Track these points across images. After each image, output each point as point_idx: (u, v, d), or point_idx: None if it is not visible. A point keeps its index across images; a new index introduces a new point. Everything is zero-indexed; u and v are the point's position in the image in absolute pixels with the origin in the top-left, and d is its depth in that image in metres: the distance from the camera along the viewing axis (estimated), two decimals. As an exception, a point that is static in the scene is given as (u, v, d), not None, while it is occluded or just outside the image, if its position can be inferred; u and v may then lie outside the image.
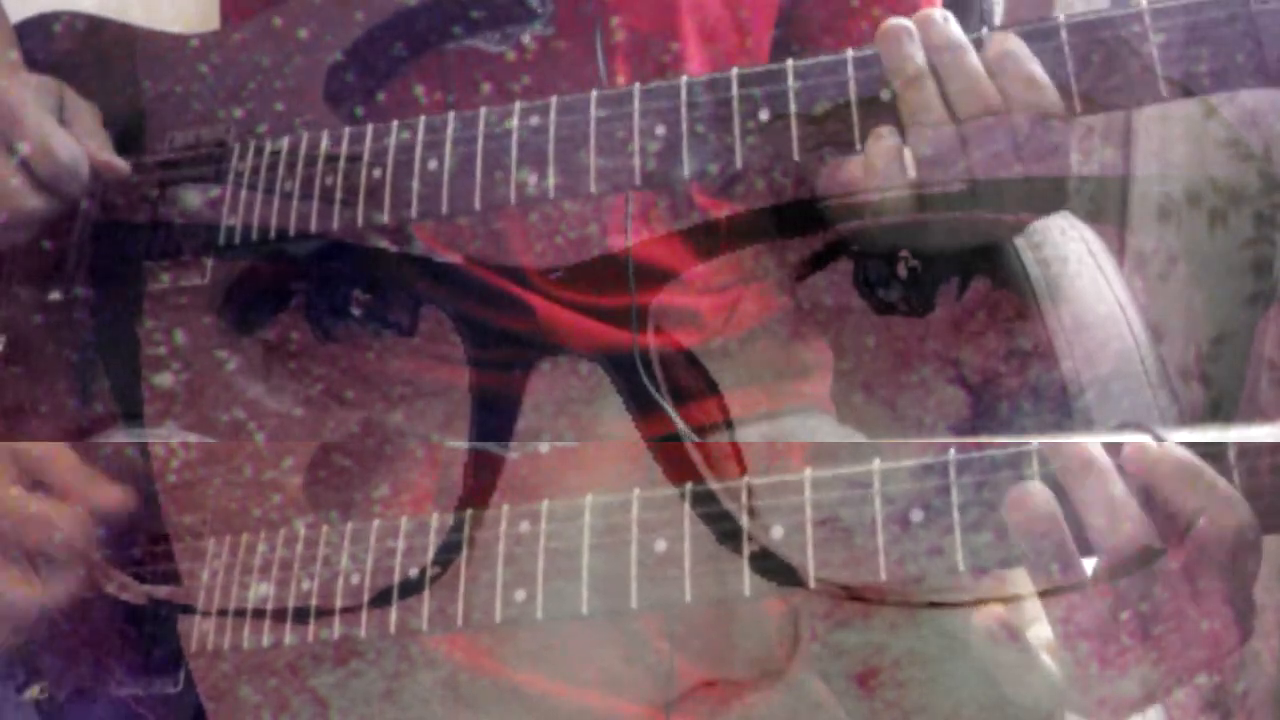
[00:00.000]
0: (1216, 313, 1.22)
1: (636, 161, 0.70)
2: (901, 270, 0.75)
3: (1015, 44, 0.66)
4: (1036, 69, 0.65)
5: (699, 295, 0.84)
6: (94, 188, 0.78)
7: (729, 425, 0.73)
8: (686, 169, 0.70)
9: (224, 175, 0.77)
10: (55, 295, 0.79)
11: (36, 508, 0.71)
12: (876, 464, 0.61)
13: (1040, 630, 0.59)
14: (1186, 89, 0.63)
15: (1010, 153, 0.66)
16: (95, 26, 0.85)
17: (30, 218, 0.76)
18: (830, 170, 0.76)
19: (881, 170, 0.67)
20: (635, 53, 0.80)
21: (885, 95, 0.67)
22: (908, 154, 0.67)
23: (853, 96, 0.68)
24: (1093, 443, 0.58)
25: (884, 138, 0.67)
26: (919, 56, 0.67)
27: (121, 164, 0.78)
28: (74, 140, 0.76)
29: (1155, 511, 0.56)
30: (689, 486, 0.63)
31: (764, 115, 0.69)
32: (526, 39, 0.77)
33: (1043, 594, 0.58)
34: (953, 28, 0.68)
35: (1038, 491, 0.57)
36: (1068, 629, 0.58)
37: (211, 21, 0.84)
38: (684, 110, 0.70)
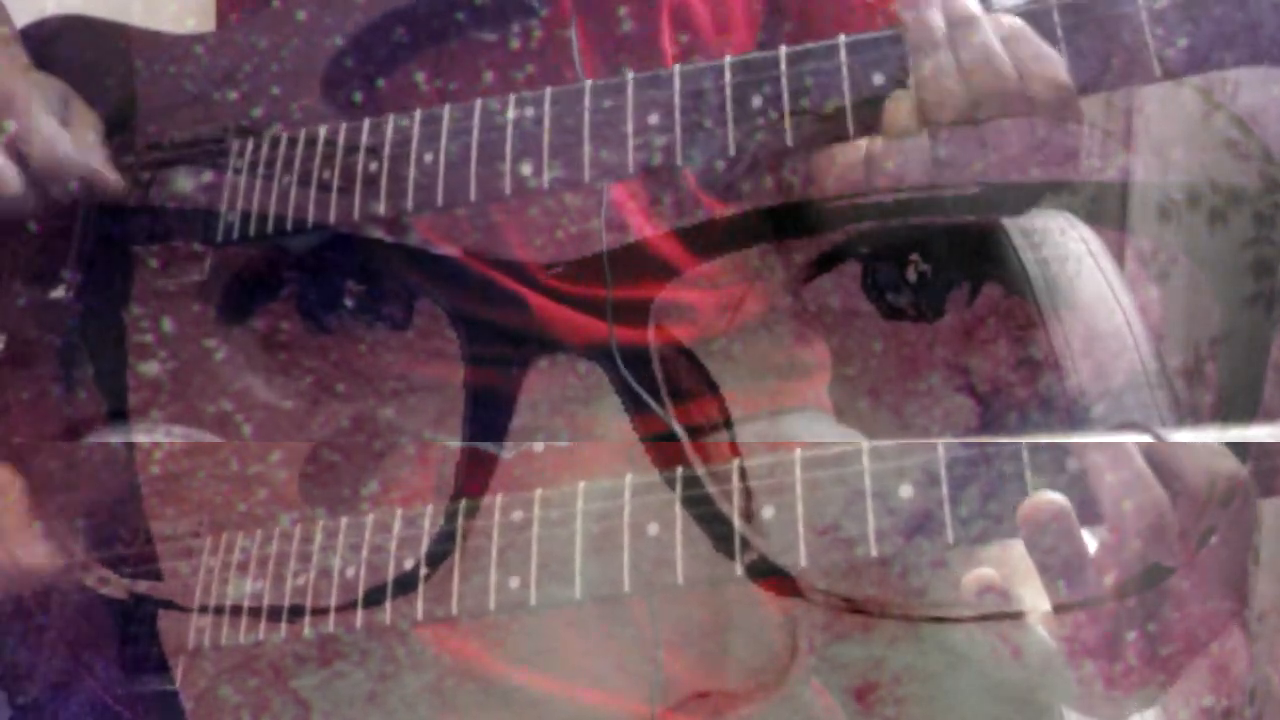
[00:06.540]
0: (1217, 313, 1.21)
1: (630, 151, 0.70)
2: (911, 274, 0.75)
3: (1019, 23, 0.67)
4: (1045, 46, 0.66)
5: (697, 290, 0.83)
6: (83, 195, 0.77)
7: (728, 425, 0.72)
8: (680, 158, 0.70)
9: (222, 168, 0.76)
10: (57, 294, 0.78)
11: None
12: (865, 444, 0.60)
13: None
14: (1180, 70, 0.64)
15: (1026, 127, 0.67)
16: (88, 27, 0.84)
17: (11, 202, 0.75)
18: (840, 160, 0.76)
19: (902, 124, 0.67)
20: (638, 48, 0.80)
21: (878, 81, 0.67)
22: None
23: (846, 84, 0.67)
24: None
25: (902, 99, 0.67)
26: (942, 26, 0.67)
27: (117, 180, 0.78)
28: (71, 141, 0.76)
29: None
30: (680, 471, 0.63)
31: (756, 103, 0.69)
32: (531, 28, 0.77)
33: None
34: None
35: (1051, 500, 0.56)
36: (1072, 644, 0.57)
37: (212, 23, 0.83)
38: (677, 99, 0.70)
